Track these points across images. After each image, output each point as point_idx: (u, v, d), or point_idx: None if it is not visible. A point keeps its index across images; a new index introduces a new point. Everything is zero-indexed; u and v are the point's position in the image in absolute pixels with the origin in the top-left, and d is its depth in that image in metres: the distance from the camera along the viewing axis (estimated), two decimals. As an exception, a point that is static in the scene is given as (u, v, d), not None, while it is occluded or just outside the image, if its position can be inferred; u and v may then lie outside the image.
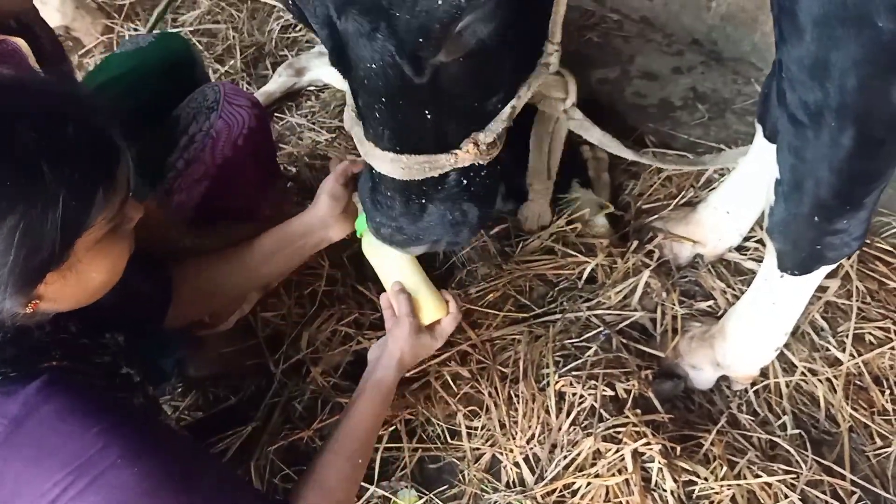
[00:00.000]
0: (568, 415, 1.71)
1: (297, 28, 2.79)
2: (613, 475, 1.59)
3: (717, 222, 1.93)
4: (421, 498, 1.65)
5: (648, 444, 1.61)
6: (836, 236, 1.35)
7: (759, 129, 1.66)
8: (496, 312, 1.88)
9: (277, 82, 2.53)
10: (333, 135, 2.40)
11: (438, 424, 1.74)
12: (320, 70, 2.53)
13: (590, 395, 1.71)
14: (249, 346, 1.89)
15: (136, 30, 2.71)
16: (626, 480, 1.59)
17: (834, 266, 1.47)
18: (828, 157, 1.20)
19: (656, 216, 2.11)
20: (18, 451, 0.97)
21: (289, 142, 2.39)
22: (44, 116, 0.93)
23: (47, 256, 0.92)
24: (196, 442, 1.16)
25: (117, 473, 0.98)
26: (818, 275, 1.48)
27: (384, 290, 1.63)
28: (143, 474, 0.99)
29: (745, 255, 2.00)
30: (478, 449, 1.71)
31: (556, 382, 1.73)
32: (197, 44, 2.68)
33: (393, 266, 1.57)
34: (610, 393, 1.72)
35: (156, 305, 1.46)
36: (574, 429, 1.71)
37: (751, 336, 1.68)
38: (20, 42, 1.33)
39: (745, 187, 1.83)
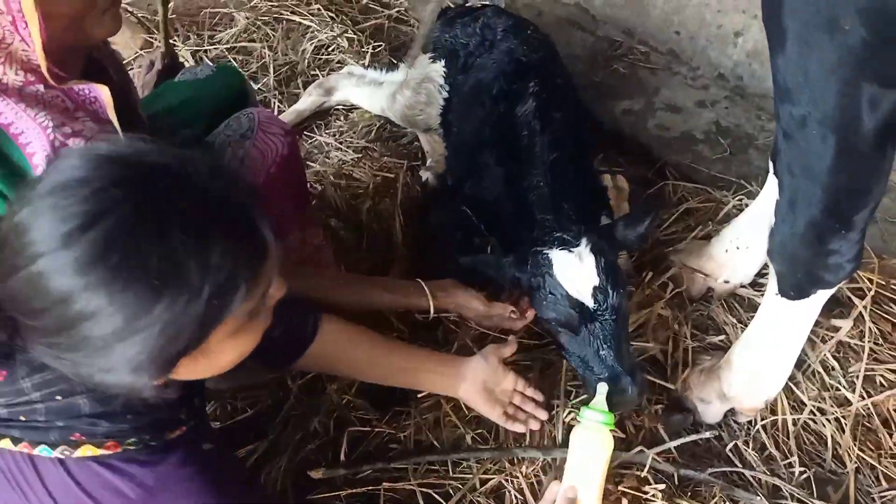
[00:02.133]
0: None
1: (330, 49, 2.87)
2: (616, 509, 1.62)
3: (730, 258, 1.96)
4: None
5: (651, 484, 1.64)
6: (830, 257, 1.39)
7: (771, 166, 1.69)
8: (504, 336, 1.91)
9: (307, 101, 2.60)
10: (360, 155, 2.46)
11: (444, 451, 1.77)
12: (349, 91, 2.60)
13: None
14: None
15: (173, 44, 2.80)
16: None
17: (832, 291, 1.50)
18: (814, 170, 1.26)
19: (672, 248, 2.14)
20: None
21: (316, 160, 2.46)
22: (196, 214, 0.93)
23: (183, 347, 0.95)
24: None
25: None
26: (817, 300, 1.53)
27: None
28: None
29: (759, 291, 2.02)
30: (484, 474, 1.74)
31: (567, 414, 1.76)
32: (232, 61, 2.77)
33: (584, 471, 1.52)
34: (619, 435, 1.75)
35: (287, 353, 1.52)
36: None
37: (755, 366, 1.71)
38: (102, 90, 1.31)
39: (757, 224, 1.86)
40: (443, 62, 2.22)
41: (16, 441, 1.08)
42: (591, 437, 1.54)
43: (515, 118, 1.91)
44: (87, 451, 1.08)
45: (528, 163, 1.86)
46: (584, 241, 1.70)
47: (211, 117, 1.85)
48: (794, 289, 1.53)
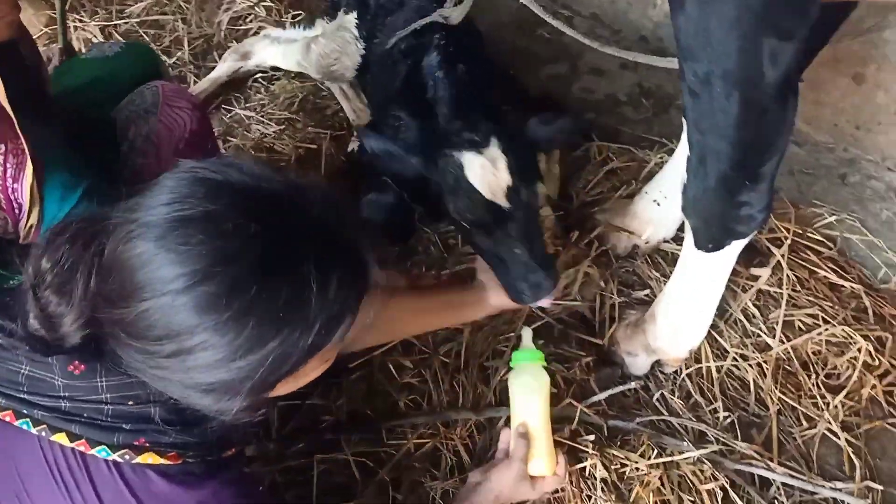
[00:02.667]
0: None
1: (248, 19, 2.78)
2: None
3: (652, 214, 1.99)
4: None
5: (582, 436, 1.69)
6: (742, 209, 1.42)
7: (685, 121, 1.71)
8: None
9: (223, 67, 2.51)
10: (282, 126, 2.40)
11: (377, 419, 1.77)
12: (265, 52, 2.51)
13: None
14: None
15: (80, 20, 2.67)
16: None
17: (746, 241, 1.54)
18: (720, 126, 1.28)
19: (598, 208, 2.16)
20: None
21: (236, 134, 2.39)
22: (320, 247, 0.93)
23: (284, 374, 0.95)
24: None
25: None
26: (732, 251, 1.56)
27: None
28: None
29: (682, 245, 2.06)
30: (419, 439, 1.73)
31: (500, 369, 1.77)
32: (144, 35, 2.66)
33: (528, 406, 1.59)
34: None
35: None
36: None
37: (677, 318, 1.74)
38: None
39: (676, 178, 1.88)
40: (354, 13, 2.18)
41: (73, 437, 1.04)
42: (526, 376, 1.60)
43: (422, 70, 1.87)
44: (149, 458, 1.05)
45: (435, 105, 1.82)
46: (493, 141, 1.64)
47: (121, 98, 1.77)
48: (710, 242, 1.56)
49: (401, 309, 1.64)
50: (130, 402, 1.04)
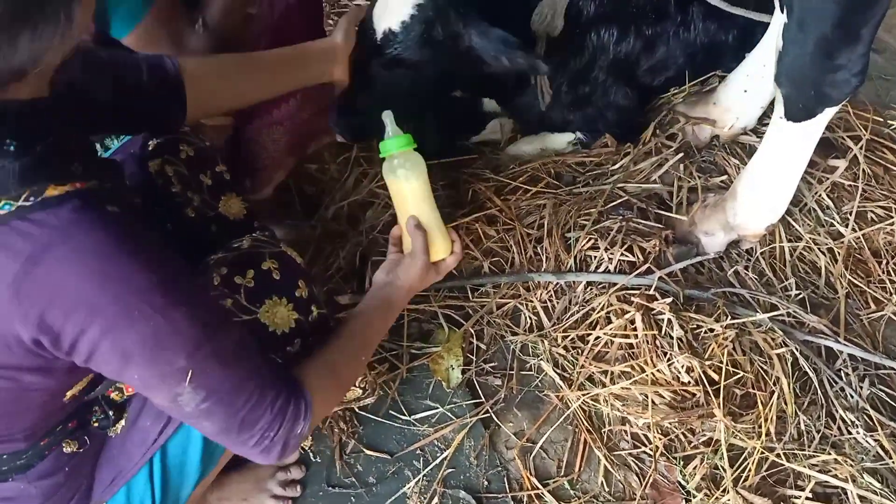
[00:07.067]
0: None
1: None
2: (625, 327, 1.74)
3: (735, 101, 2.04)
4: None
5: (656, 299, 1.76)
6: (839, 73, 1.47)
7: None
8: (528, 187, 2.02)
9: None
10: None
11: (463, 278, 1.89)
12: None
13: (609, 258, 1.85)
14: (289, 213, 2.04)
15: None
16: (635, 328, 1.73)
17: (837, 108, 1.58)
18: None
19: (680, 101, 2.21)
20: (32, 294, 0.92)
21: None
22: None
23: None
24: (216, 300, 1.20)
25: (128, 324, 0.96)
26: (821, 121, 1.61)
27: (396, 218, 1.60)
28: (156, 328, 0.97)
29: (760, 137, 2.10)
30: (501, 298, 1.85)
31: (580, 240, 1.87)
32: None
33: (411, 198, 1.53)
34: (629, 258, 1.86)
35: (170, 101, 1.40)
36: (590, 288, 1.85)
37: (760, 191, 1.81)
38: None
39: (762, 65, 1.92)
40: None
41: None
42: (401, 165, 1.50)
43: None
44: None
45: None
46: None
47: None
48: (802, 110, 1.60)
49: (233, 68, 1.53)
50: None
